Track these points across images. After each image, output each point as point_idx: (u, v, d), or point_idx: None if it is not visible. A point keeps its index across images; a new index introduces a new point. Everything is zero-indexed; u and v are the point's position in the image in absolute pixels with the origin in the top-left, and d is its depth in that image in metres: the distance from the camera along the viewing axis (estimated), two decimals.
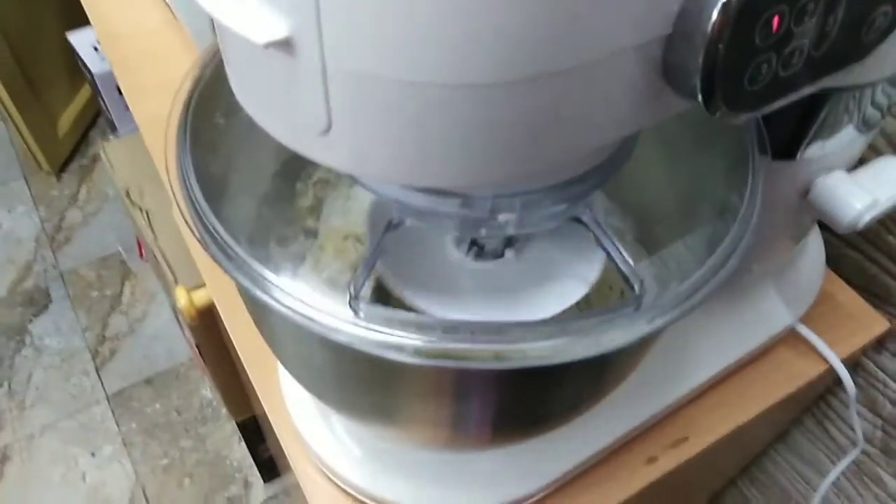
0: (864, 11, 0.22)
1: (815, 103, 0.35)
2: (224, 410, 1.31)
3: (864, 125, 0.38)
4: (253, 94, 0.21)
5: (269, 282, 0.22)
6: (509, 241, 0.29)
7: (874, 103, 0.36)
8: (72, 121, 1.60)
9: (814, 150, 0.37)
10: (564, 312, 0.27)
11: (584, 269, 0.28)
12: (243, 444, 1.23)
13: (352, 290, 0.22)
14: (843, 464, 0.58)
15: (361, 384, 0.27)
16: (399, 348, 0.22)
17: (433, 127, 0.18)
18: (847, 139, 0.38)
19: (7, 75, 1.38)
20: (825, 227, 0.57)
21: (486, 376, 0.24)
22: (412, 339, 0.21)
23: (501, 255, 0.29)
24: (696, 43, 0.19)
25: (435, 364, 0.22)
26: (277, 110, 0.21)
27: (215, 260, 0.23)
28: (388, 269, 0.27)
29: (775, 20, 0.20)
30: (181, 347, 1.37)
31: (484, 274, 0.29)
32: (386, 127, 0.19)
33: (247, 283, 0.22)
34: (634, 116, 0.22)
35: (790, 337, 0.52)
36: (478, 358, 0.22)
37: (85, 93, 1.64)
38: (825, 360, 0.51)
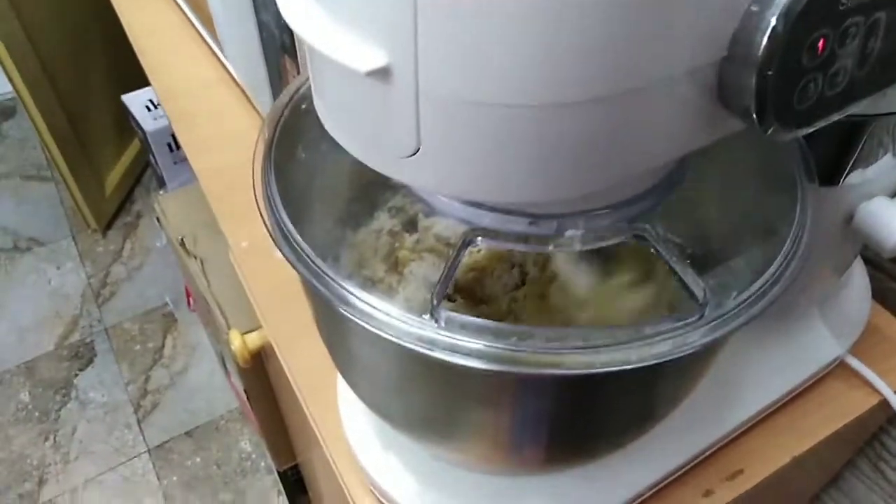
0: None
1: (853, 132, 0.37)
2: (263, 463, 1.31)
3: None
4: (341, 120, 0.24)
5: (355, 295, 0.24)
6: None
7: None
8: (118, 180, 1.68)
9: (855, 177, 0.38)
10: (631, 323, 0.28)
11: None
12: (283, 497, 1.23)
13: (434, 300, 0.23)
14: None
15: (432, 395, 0.29)
16: (477, 354, 0.23)
17: (515, 146, 0.20)
18: (886, 167, 0.39)
19: (61, 137, 1.46)
20: (869, 262, 0.57)
21: (555, 383, 0.26)
22: (489, 346, 0.23)
23: None
24: (748, 65, 0.21)
25: (509, 370, 0.23)
26: (366, 135, 0.23)
27: (305, 278, 0.25)
28: None
29: (820, 43, 0.22)
30: (221, 399, 1.39)
31: None
32: (471, 147, 0.21)
33: (331, 297, 0.24)
34: (690, 136, 0.24)
35: (840, 369, 0.52)
36: (550, 364, 0.23)
37: (131, 152, 1.71)
38: (877, 391, 0.51)
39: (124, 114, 1.32)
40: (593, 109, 0.20)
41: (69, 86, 1.47)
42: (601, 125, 0.21)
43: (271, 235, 0.26)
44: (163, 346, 1.49)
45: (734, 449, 0.48)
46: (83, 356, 1.47)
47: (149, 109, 1.19)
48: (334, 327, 0.30)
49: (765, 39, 0.21)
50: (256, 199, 0.27)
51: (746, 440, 0.49)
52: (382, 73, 0.20)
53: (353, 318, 0.24)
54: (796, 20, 0.21)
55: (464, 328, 0.23)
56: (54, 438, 1.35)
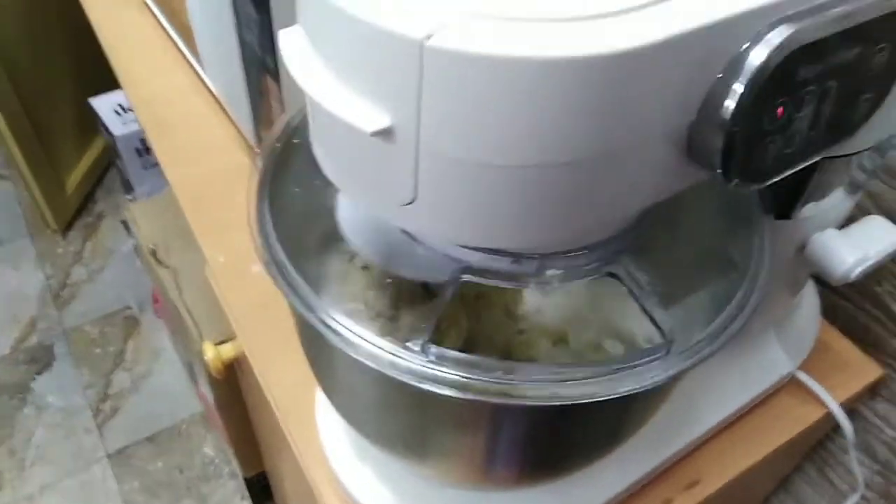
0: (851, 99, 0.26)
1: (809, 169, 0.39)
2: (227, 469, 1.31)
3: (852, 188, 0.42)
4: (340, 167, 0.25)
5: (351, 331, 0.26)
6: None
7: (860, 168, 0.41)
8: (79, 180, 1.64)
9: (808, 210, 0.41)
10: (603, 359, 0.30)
11: None
12: (245, 502, 1.23)
13: (426, 335, 0.25)
14: None
15: (415, 419, 0.30)
16: (463, 387, 0.25)
17: (505, 199, 0.22)
18: (837, 200, 0.42)
19: (22, 136, 1.42)
20: (819, 281, 0.61)
21: (533, 412, 0.28)
22: (474, 379, 0.25)
23: None
24: (716, 128, 0.24)
25: (494, 401, 0.25)
26: (364, 182, 0.24)
27: (299, 312, 0.27)
28: None
29: (780, 109, 0.24)
30: (183, 404, 1.38)
31: None
32: (464, 200, 0.22)
33: (331, 336, 0.26)
34: (661, 187, 0.26)
35: (791, 384, 0.56)
36: (533, 396, 0.25)
37: (93, 152, 1.68)
38: (824, 405, 0.55)
39: (87, 113, 1.29)
40: (575, 168, 0.22)
41: (31, 83, 1.44)
42: (581, 181, 0.23)
43: (270, 274, 0.27)
44: (124, 349, 1.47)
45: (692, 460, 0.51)
46: (41, 359, 1.44)
47: (118, 114, 1.18)
48: (322, 353, 0.32)
49: (732, 105, 0.23)
50: (253, 237, 0.29)
51: (703, 452, 0.52)
52: (386, 133, 0.21)
53: (350, 353, 0.26)
54: (760, 89, 0.23)
55: (452, 363, 0.25)
56: (10, 444, 1.32)
